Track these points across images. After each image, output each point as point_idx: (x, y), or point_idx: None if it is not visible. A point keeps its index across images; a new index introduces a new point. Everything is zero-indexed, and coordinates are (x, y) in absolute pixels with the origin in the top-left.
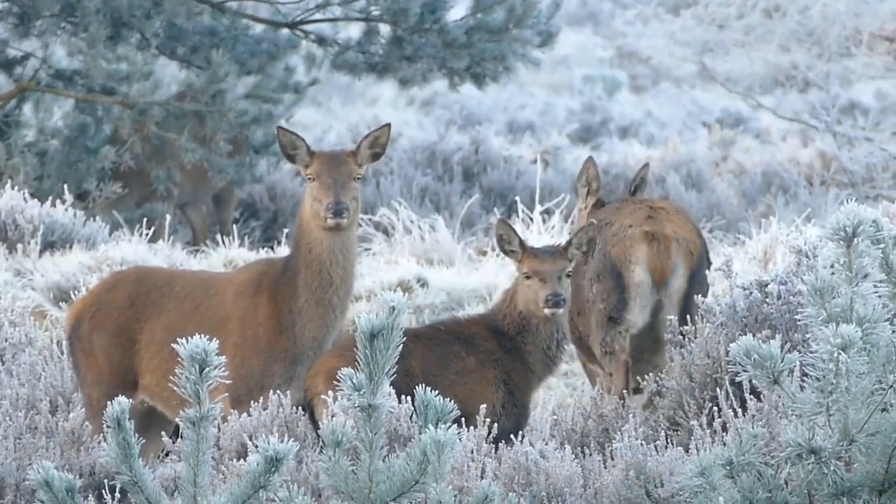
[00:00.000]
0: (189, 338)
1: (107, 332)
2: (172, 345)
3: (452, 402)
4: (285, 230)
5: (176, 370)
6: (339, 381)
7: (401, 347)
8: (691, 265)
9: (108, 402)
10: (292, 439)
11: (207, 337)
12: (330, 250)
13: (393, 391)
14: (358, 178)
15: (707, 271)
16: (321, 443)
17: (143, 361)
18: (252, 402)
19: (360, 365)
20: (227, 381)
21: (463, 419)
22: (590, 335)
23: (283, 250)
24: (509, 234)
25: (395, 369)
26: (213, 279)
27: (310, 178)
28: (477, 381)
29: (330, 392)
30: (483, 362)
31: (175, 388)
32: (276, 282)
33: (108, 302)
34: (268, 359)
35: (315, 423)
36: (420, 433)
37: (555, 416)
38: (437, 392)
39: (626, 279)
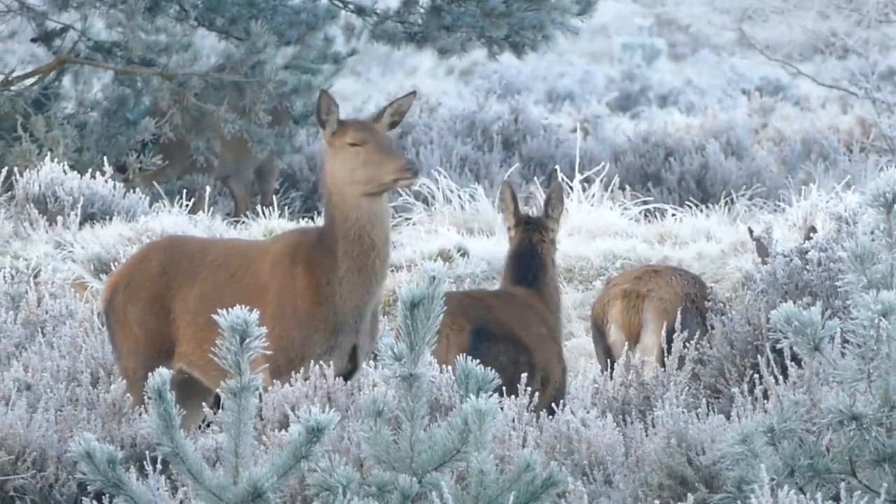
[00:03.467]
0: (226, 307)
1: (140, 302)
2: (210, 314)
3: (537, 365)
4: None
5: (217, 341)
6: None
7: (484, 304)
8: (665, 322)
9: (146, 373)
10: (334, 409)
11: (246, 307)
12: (370, 214)
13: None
14: None
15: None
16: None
17: (178, 329)
18: (293, 372)
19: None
20: (268, 352)
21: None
22: None
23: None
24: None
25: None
26: (250, 248)
27: (353, 145)
28: (550, 351)
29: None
30: (551, 336)
31: (215, 359)
32: (313, 252)
33: (141, 272)
34: (308, 329)
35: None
36: (461, 402)
37: (596, 385)
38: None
39: (607, 338)
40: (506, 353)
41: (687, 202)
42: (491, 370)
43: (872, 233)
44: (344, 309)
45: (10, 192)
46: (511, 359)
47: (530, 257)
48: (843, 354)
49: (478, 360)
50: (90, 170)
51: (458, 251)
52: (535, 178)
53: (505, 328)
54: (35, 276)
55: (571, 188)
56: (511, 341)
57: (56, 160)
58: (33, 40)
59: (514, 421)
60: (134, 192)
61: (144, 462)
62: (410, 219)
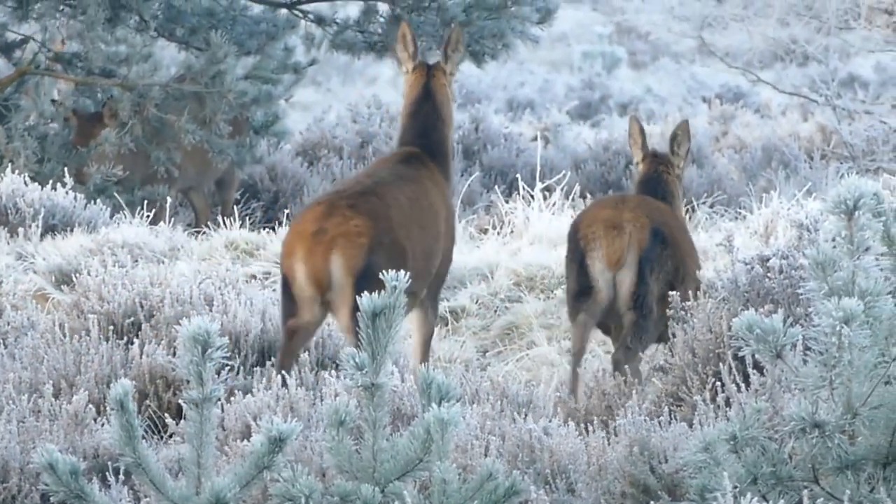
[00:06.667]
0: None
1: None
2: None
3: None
4: (286, 210)
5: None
6: (615, 230)
7: (657, 206)
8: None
9: None
10: (296, 419)
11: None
12: None
13: None
14: None
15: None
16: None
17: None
18: None
19: (362, 344)
20: None
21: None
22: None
23: (284, 231)
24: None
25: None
26: (410, 175)
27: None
28: (693, 260)
29: (604, 241)
30: (690, 245)
31: None
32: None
33: (386, 229)
34: None
35: (585, 272)
36: (423, 411)
37: (558, 394)
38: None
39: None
40: (673, 259)
41: None
42: (659, 272)
43: (833, 240)
44: None
45: None
46: (675, 265)
47: (656, 183)
48: (805, 362)
49: (651, 261)
50: (51, 181)
51: None
52: (496, 187)
53: (673, 233)
54: None
55: (532, 197)
56: (677, 248)
57: (17, 172)
58: None
59: (476, 430)
60: (94, 203)
61: (107, 473)
62: None
